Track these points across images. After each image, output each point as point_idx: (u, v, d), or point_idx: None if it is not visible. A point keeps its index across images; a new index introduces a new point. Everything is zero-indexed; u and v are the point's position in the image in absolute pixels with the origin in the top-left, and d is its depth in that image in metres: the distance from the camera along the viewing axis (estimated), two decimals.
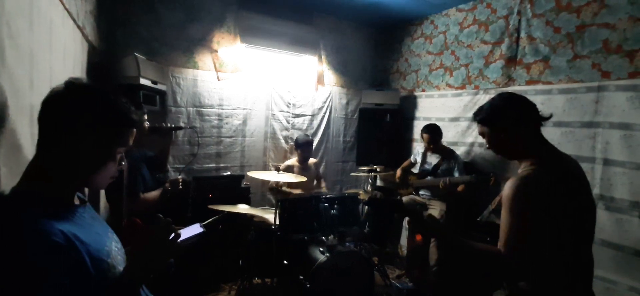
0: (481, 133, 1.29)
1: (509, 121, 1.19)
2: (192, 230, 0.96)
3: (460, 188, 2.90)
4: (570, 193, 1.11)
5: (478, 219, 2.89)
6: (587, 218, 1.16)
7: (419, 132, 3.31)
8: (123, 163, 0.86)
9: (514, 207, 1.08)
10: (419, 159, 3.28)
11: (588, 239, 1.17)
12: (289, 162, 3.48)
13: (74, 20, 1.64)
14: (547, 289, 1.11)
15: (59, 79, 1.39)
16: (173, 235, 0.86)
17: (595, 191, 2.34)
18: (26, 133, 0.99)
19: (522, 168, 1.17)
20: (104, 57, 2.56)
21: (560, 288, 1.12)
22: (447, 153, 3.10)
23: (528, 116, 1.19)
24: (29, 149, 0.99)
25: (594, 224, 1.19)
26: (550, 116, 1.21)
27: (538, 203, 1.06)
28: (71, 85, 0.77)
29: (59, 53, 1.41)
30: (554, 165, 1.15)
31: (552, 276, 1.10)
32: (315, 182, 3.55)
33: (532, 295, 1.13)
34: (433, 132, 3.09)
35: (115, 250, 0.86)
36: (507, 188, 1.11)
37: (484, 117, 1.25)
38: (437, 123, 3.22)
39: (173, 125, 2.15)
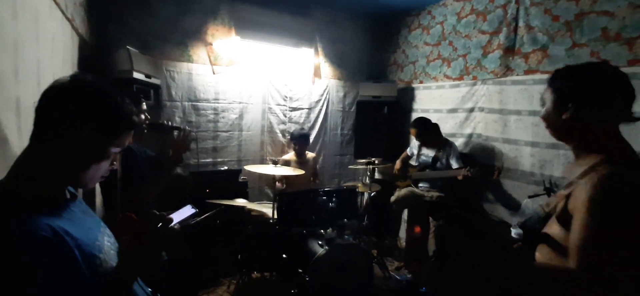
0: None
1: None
2: (184, 213, 0.95)
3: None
4: None
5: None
6: None
7: None
8: (115, 163, 0.84)
9: (597, 213, 0.89)
10: (415, 151, 3.27)
11: None
12: (286, 157, 3.45)
13: (62, 11, 1.59)
14: None
15: (47, 71, 1.36)
16: (162, 222, 0.84)
17: None
18: (12, 125, 0.95)
19: (601, 167, 0.93)
20: (95, 50, 2.51)
21: None
22: (442, 144, 3.09)
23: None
24: (16, 142, 0.95)
25: None
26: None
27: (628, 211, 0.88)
28: (76, 79, 0.75)
29: (47, 45, 1.37)
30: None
31: None
32: (312, 178, 3.53)
33: None
34: (420, 126, 3.08)
35: (107, 244, 0.84)
36: (591, 190, 0.90)
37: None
38: (435, 115, 3.21)
39: (173, 125, 2.11)
